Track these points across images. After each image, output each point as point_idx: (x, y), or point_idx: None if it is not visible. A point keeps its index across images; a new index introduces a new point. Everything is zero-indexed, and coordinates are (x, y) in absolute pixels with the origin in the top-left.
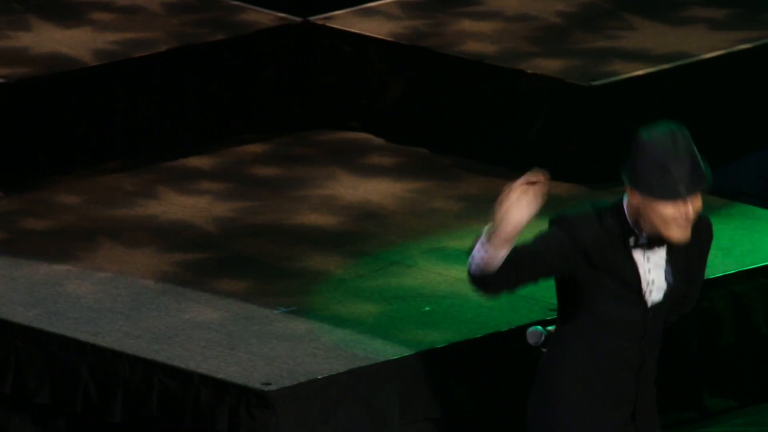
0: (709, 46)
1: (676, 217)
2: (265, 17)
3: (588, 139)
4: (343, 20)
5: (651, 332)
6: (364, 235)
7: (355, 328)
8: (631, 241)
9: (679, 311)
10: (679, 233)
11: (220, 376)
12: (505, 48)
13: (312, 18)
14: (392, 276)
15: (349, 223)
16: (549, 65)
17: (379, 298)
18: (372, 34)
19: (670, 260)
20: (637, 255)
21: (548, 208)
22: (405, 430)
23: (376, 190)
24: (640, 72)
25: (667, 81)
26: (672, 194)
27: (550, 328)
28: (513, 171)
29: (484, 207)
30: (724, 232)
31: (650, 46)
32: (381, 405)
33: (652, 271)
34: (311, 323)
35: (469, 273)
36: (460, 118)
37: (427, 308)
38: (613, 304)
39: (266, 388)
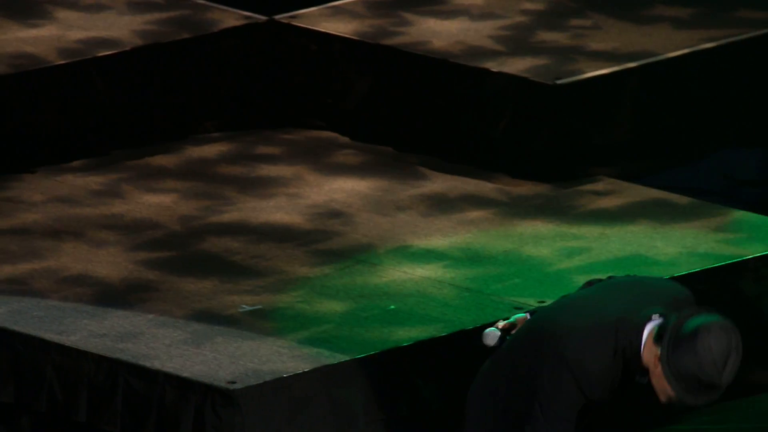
0: (673, 45)
1: (665, 400)
2: (230, 16)
3: (553, 138)
4: (308, 19)
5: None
6: (330, 234)
7: (321, 326)
8: (636, 377)
9: None
10: (662, 401)
11: (186, 374)
12: (470, 47)
13: (277, 17)
14: (358, 275)
15: (314, 222)
16: (514, 64)
17: (345, 297)
18: (337, 33)
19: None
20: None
21: (514, 206)
22: (370, 428)
23: (341, 189)
24: (605, 71)
25: (632, 80)
26: (679, 397)
27: (506, 321)
28: (479, 169)
29: (450, 206)
30: (688, 230)
31: (615, 45)
32: (346, 403)
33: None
34: (277, 322)
35: None
36: (425, 117)
37: (393, 306)
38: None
39: (231, 387)
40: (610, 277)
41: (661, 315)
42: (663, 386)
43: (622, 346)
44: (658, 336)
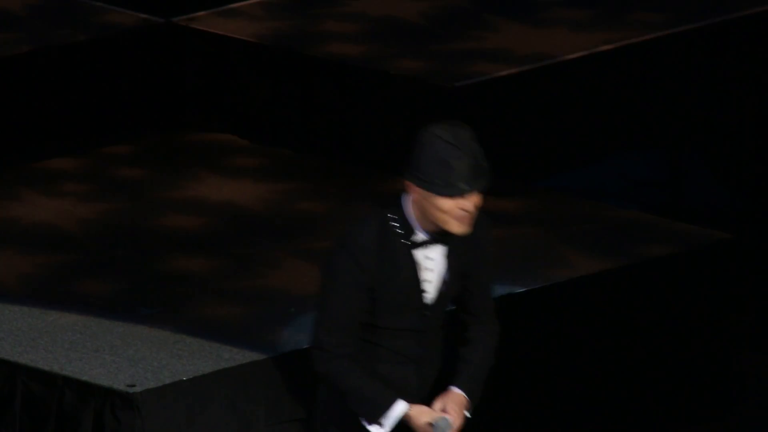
0: (571, 47)
1: (455, 211)
2: (127, 18)
3: None
4: (206, 21)
5: (431, 330)
6: (229, 237)
7: (221, 329)
8: (413, 238)
9: (487, 329)
10: (458, 227)
11: (85, 378)
12: (368, 49)
13: (175, 19)
14: (258, 277)
15: (213, 225)
16: (412, 66)
17: (245, 300)
18: (235, 35)
19: (449, 260)
20: (417, 254)
21: None
22: (271, 431)
23: (240, 192)
24: (503, 73)
25: (530, 82)
26: (451, 191)
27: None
28: (378, 172)
29: (350, 208)
30: (588, 231)
31: (513, 47)
32: (247, 406)
33: (430, 271)
34: (176, 325)
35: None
36: (324, 120)
37: (293, 309)
38: (393, 310)
39: (131, 390)
40: None
41: None
42: (433, 204)
43: (387, 214)
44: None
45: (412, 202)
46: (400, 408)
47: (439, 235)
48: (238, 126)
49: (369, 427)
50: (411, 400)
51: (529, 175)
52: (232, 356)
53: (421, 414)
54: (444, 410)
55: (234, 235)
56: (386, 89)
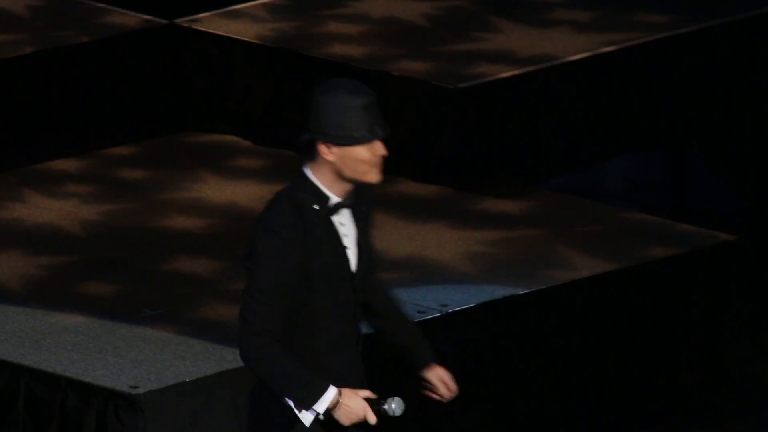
0: (574, 48)
1: (374, 159)
2: (130, 19)
3: (455, 141)
4: (209, 22)
5: (359, 309)
6: (232, 238)
7: (223, 330)
8: (329, 205)
9: (391, 293)
10: (377, 175)
11: (88, 379)
12: (371, 50)
13: (178, 20)
14: None
15: (216, 226)
16: (415, 67)
17: None
18: (238, 37)
19: (357, 222)
20: (335, 221)
21: (416, 210)
22: None
23: (243, 193)
24: (506, 74)
25: (533, 83)
26: (373, 136)
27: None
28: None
29: None
30: (589, 233)
31: (515, 49)
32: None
33: (347, 237)
34: (179, 326)
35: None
36: None
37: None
38: (325, 285)
39: (134, 392)
40: None
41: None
42: (352, 158)
43: (294, 191)
44: (306, 146)
45: (320, 169)
46: (332, 393)
47: (349, 199)
48: (241, 127)
49: (300, 415)
50: (353, 385)
51: (532, 177)
52: (235, 358)
53: (353, 397)
54: (448, 388)
55: (237, 237)
56: (389, 90)
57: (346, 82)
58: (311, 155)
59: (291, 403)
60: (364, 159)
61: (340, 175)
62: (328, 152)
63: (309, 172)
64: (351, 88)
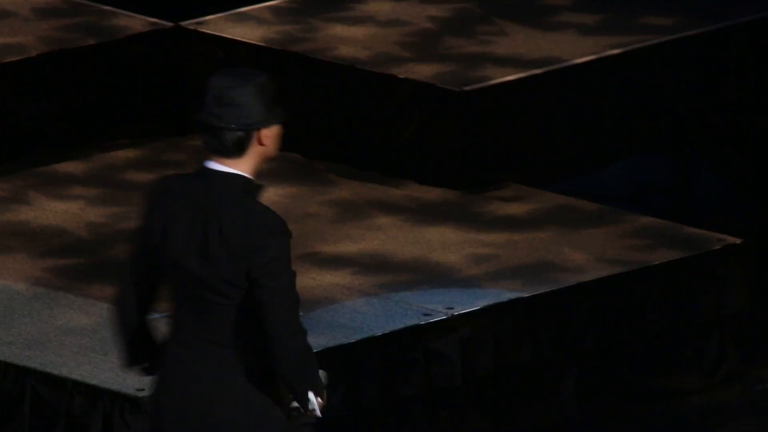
0: (579, 51)
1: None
2: (136, 22)
3: (460, 144)
4: (215, 25)
5: None
6: None
7: None
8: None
9: None
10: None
11: (94, 382)
12: (377, 53)
13: (183, 23)
14: None
15: None
16: (421, 70)
17: None
18: (244, 39)
19: None
20: None
21: (422, 213)
22: None
23: None
24: (512, 77)
25: (539, 86)
26: (283, 113)
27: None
28: (387, 176)
29: (358, 212)
30: (596, 237)
31: (522, 52)
32: None
33: None
34: None
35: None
36: (333, 123)
37: (301, 313)
38: None
39: (140, 394)
40: None
41: None
42: (276, 139)
43: (251, 188)
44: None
45: (246, 162)
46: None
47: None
48: None
49: (310, 402)
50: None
51: (538, 179)
52: None
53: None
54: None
55: None
56: (395, 93)
57: (239, 72)
58: (239, 151)
59: (295, 403)
60: (280, 134)
61: (264, 160)
62: (267, 137)
63: (230, 169)
64: (245, 74)
